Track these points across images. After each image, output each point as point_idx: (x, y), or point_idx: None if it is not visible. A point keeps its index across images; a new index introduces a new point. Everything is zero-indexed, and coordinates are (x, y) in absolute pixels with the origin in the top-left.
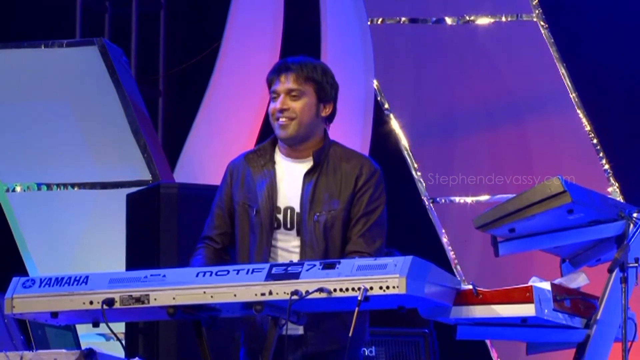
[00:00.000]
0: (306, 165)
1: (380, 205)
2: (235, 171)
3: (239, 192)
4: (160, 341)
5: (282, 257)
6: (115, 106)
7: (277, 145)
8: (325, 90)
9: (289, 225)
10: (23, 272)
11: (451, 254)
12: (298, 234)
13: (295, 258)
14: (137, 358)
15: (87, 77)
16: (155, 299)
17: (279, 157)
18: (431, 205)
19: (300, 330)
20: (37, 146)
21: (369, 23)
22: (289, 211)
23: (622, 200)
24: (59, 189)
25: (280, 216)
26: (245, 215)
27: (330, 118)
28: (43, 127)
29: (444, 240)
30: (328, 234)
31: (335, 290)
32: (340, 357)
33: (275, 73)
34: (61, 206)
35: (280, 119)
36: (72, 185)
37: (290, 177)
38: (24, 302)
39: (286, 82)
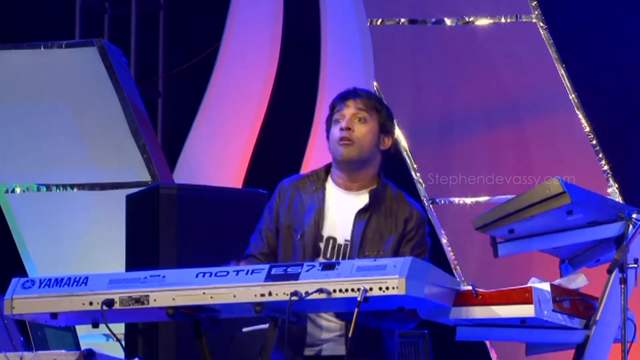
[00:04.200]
0: (357, 198)
1: (425, 251)
2: (284, 193)
3: (285, 215)
4: (159, 342)
5: None
6: (115, 107)
7: (329, 173)
8: (387, 122)
9: (328, 255)
10: (22, 272)
11: (450, 255)
12: None
13: None
14: (136, 359)
15: (86, 78)
16: (154, 300)
17: (330, 185)
18: (430, 206)
19: (340, 351)
20: (37, 147)
21: (368, 24)
22: (330, 241)
23: (621, 201)
24: (58, 190)
25: (322, 244)
26: (289, 238)
27: (386, 152)
28: (42, 128)
29: (444, 241)
30: None
31: (334, 291)
32: None
33: (343, 98)
34: (61, 207)
35: (343, 140)
36: (72, 186)
37: (339, 207)
38: (24, 303)
39: (354, 106)
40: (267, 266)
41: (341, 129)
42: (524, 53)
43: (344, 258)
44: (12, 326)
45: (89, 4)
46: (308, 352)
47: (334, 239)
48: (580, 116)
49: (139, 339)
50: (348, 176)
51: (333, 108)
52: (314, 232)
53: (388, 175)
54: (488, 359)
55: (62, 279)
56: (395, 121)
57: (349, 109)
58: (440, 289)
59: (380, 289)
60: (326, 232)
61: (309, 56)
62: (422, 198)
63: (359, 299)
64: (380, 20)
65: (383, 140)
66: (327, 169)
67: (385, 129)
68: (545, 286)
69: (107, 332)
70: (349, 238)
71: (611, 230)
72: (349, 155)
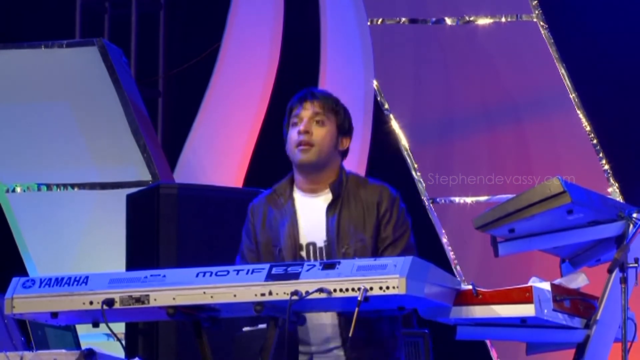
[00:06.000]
0: (324, 199)
1: (407, 230)
2: (256, 212)
3: (262, 233)
4: (160, 341)
5: None
6: (115, 106)
7: (294, 183)
8: (345, 123)
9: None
10: (23, 272)
11: (451, 254)
12: None
13: None
14: (137, 358)
15: (87, 77)
16: (155, 299)
17: (296, 194)
18: (431, 205)
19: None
20: (37, 147)
21: (368, 23)
22: (311, 247)
23: (621, 201)
24: (58, 190)
25: (304, 253)
26: (269, 255)
27: (345, 153)
28: (43, 127)
29: (444, 240)
30: None
31: (335, 290)
32: None
33: (300, 100)
34: (61, 207)
35: (302, 145)
36: (72, 186)
37: (309, 212)
38: (24, 303)
39: (311, 108)
40: (267, 265)
41: (299, 132)
42: (524, 52)
43: (327, 258)
44: (13, 326)
45: (89, 3)
46: (302, 358)
47: (314, 244)
48: (581, 115)
49: (139, 339)
50: (310, 180)
51: (290, 111)
52: (291, 245)
53: (387, 176)
54: (488, 358)
55: (62, 279)
56: (352, 122)
57: (307, 112)
58: (440, 288)
59: (380, 288)
60: (304, 240)
61: (309, 56)
62: (422, 197)
63: (359, 298)
64: (380, 20)
65: (341, 141)
66: (291, 180)
67: (343, 130)
68: (546, 286)
69: (108, 331)
70: (326, 238)
71: (611, 229)
72: (308, 160)
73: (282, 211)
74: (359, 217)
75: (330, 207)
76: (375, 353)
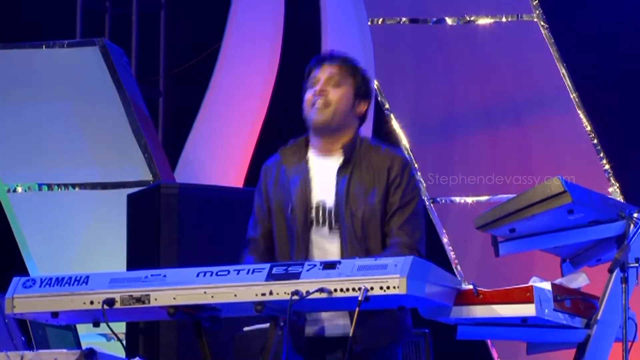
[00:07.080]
0: (336, 160)
1: (416, 197)
2: (269, 172)
3: (274, 192)
4: (160, 341)
5: (318, 255)
6: (116, 106)
7: (309, 143)
8: (363, 87)
9: (321, 221)
10: (24, 272)
11: (451, 254)
12: (330, 229)
13: (330, 255)
14: (137, 358)
15: (88, 77)
16: (155, 299)
17: (310, 154)
18: (431, 205)
19: (342, 329)
20: (38, 146)
21: (369, 23)
22: (320, 207)
23: (622, 200)
24: (59, 190)
25: (313, 212)
26: (281, 214)
27: (362, 118)
28: (44, 127)
29: (444, 240)
30: (367, 228)
31: (335, 290)
32: (388, 352)
33: (318, 62)
34: (62, 206)
35: (317, 103)
36: (73, 186)
37: (321, 173)
38: (25, 302)
39: (328, 70)
40: (268, 265)
41: (315, 93)
42: (524, 52)
43: (336, 219)
44: (13, 325)
45: (90, 3)
46: (308, 330)
47: (324, 204)
48: (581, 115)
49: (139, 338)
50: (324, 140)
51: (309, 73)
52: (303, 201)
53: None
54: (489, 358)
55: (62, 278)
56: (371, 85)
57: (323, 73)
58: (441, 288)
59: (381, 288)
60: (314, 199)
61: (310, 56)
62: (422, 197)
63: (360, 298)
64: (381, 20)
65: (358, 104)
66: (306, 139)
67: (360, 94)
68: (547, 285)
69: (108, 331)
70: (335, 199)
71: (612, 229)
72: (322, 120)
73: (295, 169)
74: (369, 181)
75: (341, 169)
76: (380, 337)
